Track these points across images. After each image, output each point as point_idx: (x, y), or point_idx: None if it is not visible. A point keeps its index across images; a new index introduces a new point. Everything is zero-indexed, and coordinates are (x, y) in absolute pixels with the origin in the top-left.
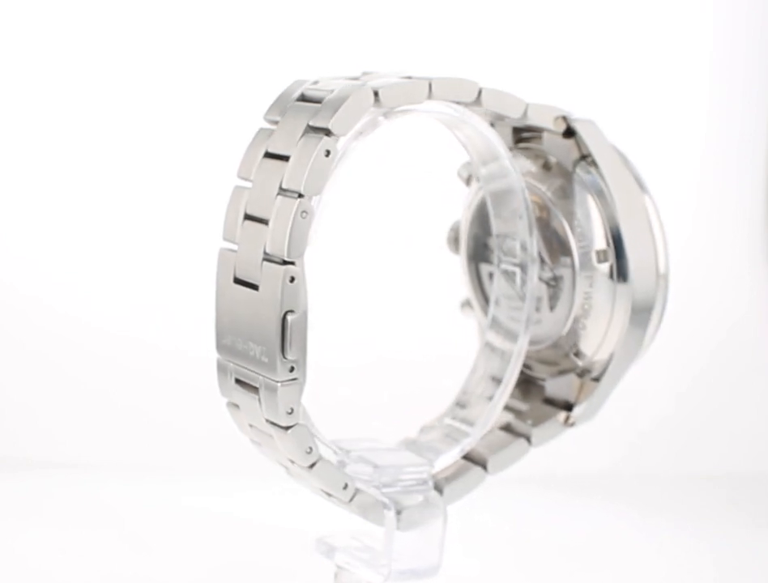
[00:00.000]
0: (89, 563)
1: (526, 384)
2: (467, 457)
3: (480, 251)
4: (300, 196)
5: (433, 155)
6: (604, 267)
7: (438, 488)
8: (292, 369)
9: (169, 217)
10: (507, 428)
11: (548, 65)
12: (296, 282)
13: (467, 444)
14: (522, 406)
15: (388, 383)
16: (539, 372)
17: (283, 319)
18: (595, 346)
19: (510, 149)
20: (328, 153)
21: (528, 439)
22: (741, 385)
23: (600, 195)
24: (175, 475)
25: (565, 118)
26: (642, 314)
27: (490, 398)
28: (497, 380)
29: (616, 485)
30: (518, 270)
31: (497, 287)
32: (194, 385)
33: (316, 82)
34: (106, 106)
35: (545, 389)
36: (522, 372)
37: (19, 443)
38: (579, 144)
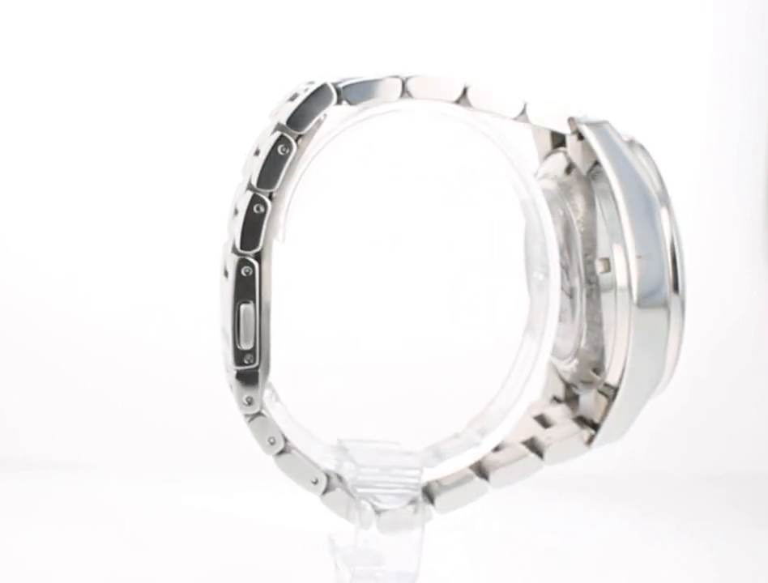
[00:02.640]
0: (89, 563)
1: (576, 400)
2: (476, 467)
3: (528, 259)
4: (257, 190)
5: (440, 156)
6: (607, 277)
7: (430, 495)
8: (248, 359)
9: (169, 217)
10: (529, 442)
11: (548, 65)
12: (252, 273)
13: (476, 454)
14: (556, 421)
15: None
16: (580, 389)
17: (237, 309)
18: (608, 361)
19: (550, 153)
20: (284, 149)
21: (541, 455)
22: (741, 386)
23: (608, 202)
24: (175, 475)
25: (573, 120)
26: (649, 329)
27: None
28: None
29: (616, 486)
30: (543, 278)
31: (531, 294)
32: (194, 385)
33: (311, 82)
34: (107, 106)
35: (579, 407)
36: (569, 389)
37: (19, 443)
38: (590, 148)
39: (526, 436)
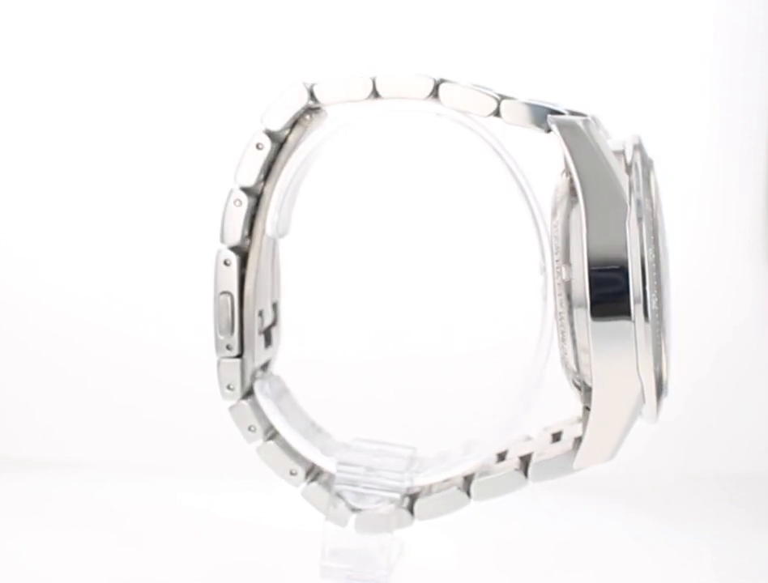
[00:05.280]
0: (89, 563)
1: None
2: (468, 477)
3: None
4: (236, 185)
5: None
6: (569, 284)
7: (411, 501)
8: (228, 347)
9: (169, 217)
10: (526, 457)
11: (548, 65)
12: (231, 266)
13: (469, 463)
14: (562, 438)
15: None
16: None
17: (218, 299)
18: (582, 374)
19: None
20: (259, 146)
21: (526, 472)
22: (741, 386)
23: (577, 205)
24: (175, 475)
25: (548, 118)
26: (608, 342)
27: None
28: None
29: (616, 485)
30: (543, 282)
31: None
32: (194, 385)
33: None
34: (106, 108)
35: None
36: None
37: (19, 443)
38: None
39: (526, 451)
